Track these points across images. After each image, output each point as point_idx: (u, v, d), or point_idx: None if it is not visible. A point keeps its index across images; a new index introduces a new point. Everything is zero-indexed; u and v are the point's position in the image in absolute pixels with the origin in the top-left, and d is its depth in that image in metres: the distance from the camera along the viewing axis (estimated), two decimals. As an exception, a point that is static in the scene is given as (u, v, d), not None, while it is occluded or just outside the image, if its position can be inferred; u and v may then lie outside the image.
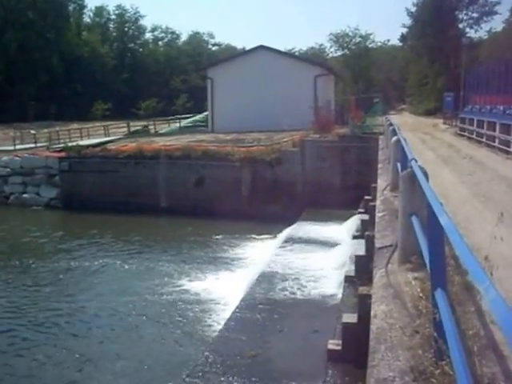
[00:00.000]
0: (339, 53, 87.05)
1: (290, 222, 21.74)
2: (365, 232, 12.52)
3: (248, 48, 49.47)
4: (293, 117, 30.46)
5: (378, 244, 6.39)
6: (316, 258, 15.95)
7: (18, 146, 37.31)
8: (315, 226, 20.71)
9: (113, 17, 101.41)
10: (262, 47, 38.70)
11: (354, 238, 15.36)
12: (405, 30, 70.47)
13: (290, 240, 18.63)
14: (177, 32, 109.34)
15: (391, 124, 16.89)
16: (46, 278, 18.49)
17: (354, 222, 18.02)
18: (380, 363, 3.39)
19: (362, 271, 10.67)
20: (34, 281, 18.21)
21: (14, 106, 75.84)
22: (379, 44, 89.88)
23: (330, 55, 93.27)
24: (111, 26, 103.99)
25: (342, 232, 18.62)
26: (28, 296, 16.76)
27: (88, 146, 32.31)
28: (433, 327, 3.38)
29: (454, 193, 10.60)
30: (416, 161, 5.77)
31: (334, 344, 8.63)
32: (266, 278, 14.34)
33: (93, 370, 11.46)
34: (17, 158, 32.72)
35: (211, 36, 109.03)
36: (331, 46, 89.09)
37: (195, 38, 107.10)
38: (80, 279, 18.38)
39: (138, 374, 11.19)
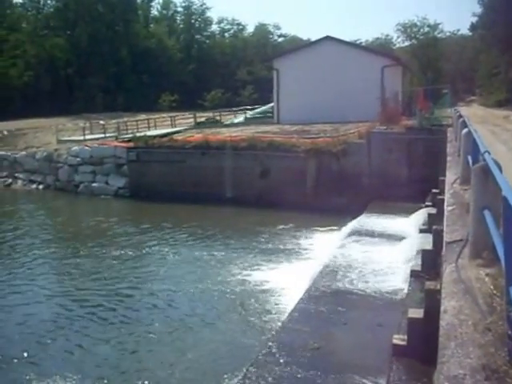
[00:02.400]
0: (407, 43, 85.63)
1: (355, 215, 21.53)
2: (432, 226, 12.28)
3: (314, 39, 49.13)
4: (359, 108, 30.14)
5: (447, 238, 6.24)
6: (381, 252, 15.75)
7: (87, 137, 38.20)
8: (381, 218, 20.45)
9: (180, 9, 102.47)
10: (328, 38, 38.34)
11: (421, 231, 15.09)
12: (475, 19, 68.56)
13: (355, 233, 18.44)
14: (243, 23, 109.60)
15: (461, 116, 16.48)
16: (112, 264, 18.92)
17: (420, 216, 17.70)
18: (450, 360, 3.31)
19: (428, 266, 10.49)
20: (101, 267, 18.68)
21: (84, 97, 77.59)
22: (448, 34, 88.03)
23: (397, 46, 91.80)
24: (178, 18, 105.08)
25: (409, 225, 18.31)
26: (95, 282, 17.19)
27: (155, 137, 32.80)
28: (506, 325, 3.28)
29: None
30: (489, 153, 5.60)
31: (399, 339, 8.49)
32: (331, 271, 14.24)
33: (155, 358, 11.65)
34: (86, 148, 33.50)
35: (277, 27, 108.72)
36: (398, 37, 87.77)
37: (261, 29, 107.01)
38: (145, 267, 18.74)
39: (199, 362, 11.31)
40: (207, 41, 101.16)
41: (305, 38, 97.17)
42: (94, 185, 32.67)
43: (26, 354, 11.89)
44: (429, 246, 11.13)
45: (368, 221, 20.33)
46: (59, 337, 12.99)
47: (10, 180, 36.90)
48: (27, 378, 10.79)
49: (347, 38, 57.75)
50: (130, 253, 20.26)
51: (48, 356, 11.92)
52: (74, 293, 16.28)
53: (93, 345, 12.47)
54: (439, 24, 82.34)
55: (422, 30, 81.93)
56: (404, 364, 8.12)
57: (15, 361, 11.66)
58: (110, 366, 11.47)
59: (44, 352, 12.09)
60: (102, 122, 44.37)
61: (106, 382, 10.67)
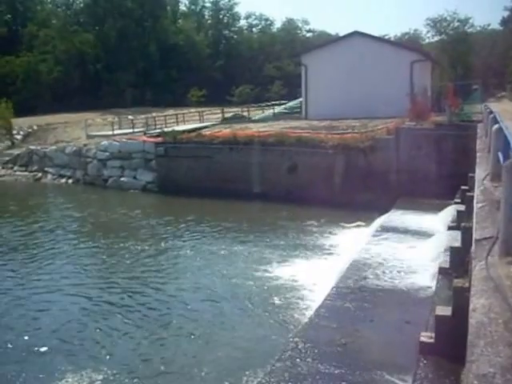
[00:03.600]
0: (436, 38, 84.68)
1: (383, 211, 21.41)
2: (461, 223, 12.18)
3: (342, 34, 48.85)
4: (388, 104, 29.93)
5: (476, 235, 6.17)
6: (409, 249, 15.64)
7: (116, 131, 38.55)
8: (409, 215, 20.29)
9: (208, 4, 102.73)
10: (356, 33, 38.07)
11: (450, 228, 14.97)
12: (506, 14, 67.59)
13: (383, 229, 18.33)
14: (271, 19, 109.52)
15: (491, 111, 16.26)
16: (138, 257, 19.14)
17: (449, 213, 17.55)
18: (479, 358, 3.28)
19: (457, 263, 10.40)
20: (127, 260, 18.93)
21: (113, 92, 78.13)
22: (478, 28, 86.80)
23: (427, 41, 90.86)
24: (206, 13, 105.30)
25: (437, 222, 18.15)
26: (121, 274, 17.43)
27: (183, 132, 32.94)
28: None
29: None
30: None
31: (426, 336, 8.44)
32: (358, 267, 14.18)
33: (181, 352, 11.76)
34: (115, 143, 33.77)
35: (306, 22, 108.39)
36: (428, 32, 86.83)
37: (289, 24, 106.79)
38: (171, 260, 18.94)
39: (225, 357, 11.37)
40: (235, 36, 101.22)
41: (333, 33, 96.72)
42: (122, 179, 32.95)
43: (56, 346, 12.09)
44: (457, 244, 11.04)
45: (396, 217, 20.20)
46: (87, 328, 13.16)
47: (40, 174, 37.37)
48: (61, 368, 10.97)
49: (375, 33, 57.41)
50: (157, 246, 20.49)
51: (78, 347, 12.08)
52: (101, 285, 16.46)
53: (120, 337, 12.61)
54: (469, 18, 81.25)
55: (451, 25, 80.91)
56: (431, 362, 8.07)
57: (47, 351, 11.85)
58: (137, 358, 11.56)
59: (73, 343, 12.24)
60: (130, 117, 44.75)
61: (133, 373, 10.77)
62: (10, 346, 12.22)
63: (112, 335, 12.70)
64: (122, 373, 10.73)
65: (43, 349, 11.98)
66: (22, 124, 64.78)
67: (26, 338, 12.61)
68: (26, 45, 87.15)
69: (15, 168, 39.36)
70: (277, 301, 14.36)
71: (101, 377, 10.52)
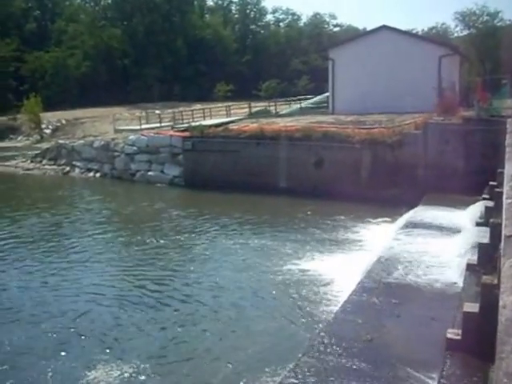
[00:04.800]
0: (465, 32, 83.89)
1: (410, 207, 21.23)
2: (489, 219, 12.05)
3: (369, 28, 48.57)
4: (416, 99, 29.68)
5: (506, 232, 6.10)
6: (437, 244, 15.51)
7: (143, 126, 38.83)
8: (437, 211, 20.11)
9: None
10: (384, 27, 37.81)
11: (478, 224, 14.82)
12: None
13: (410, 224, 18.20)
14: (297, 13, 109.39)
15: (521, 107, 16.06)
16: (164, 250, 19.32)
17: (477, 209, 17.37)
18: (509, 356, 3.25)
19: (485, 260, 10.30)
20: (153, 252, 19.13)
21: (140, 86, 78.78)
22: (508, 22, 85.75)
23: (455, 35, 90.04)
24: (233, 8, 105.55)
25: (465, 218, 17.98)
26: (146, 266, 17.62)
27: (210, 126, 33.02)
28: None
29: None
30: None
31: (453, 333, 8.38)
32: (385, 262, 14.11)
33: (205, 345, 11.81)
34: (143, 137, 33.99)
35: (333, 17, 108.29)
36: (456, 26, 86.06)
37: (316, 19, 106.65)
38: (197, 253, 19.04)
39: (249, 351, 11.39)
40: (262, 31, 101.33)
41: (361, 27, 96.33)
42: (149, 173, 33.16)
43: (85, 336, 12.26)
44: (485, 240, 10.93)
45: (423, 213, 20.03)
46: (113, 319, 13.33)
47: (68, 168, 37.74)
48: (91, 358, 11.11)
49: (403, 27, 56.99)
50: (183, 239, 20.65)
51: (105, 338, 12.20)
52: (127, 277, 16.62)
53: (146, 328, 12.73)
54: (499, 12, 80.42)
55: (480, 19, 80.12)
56: (458, 359, 8.01)
57: (77, 341, 12.04)
58: (163, 350, 11.67)
59: (100, 334, 12.38)
60: (157, 111, 44.99)
61: (159, 365, 10.88)
62: (40, 335, 12.42)
63: (138, 326, 12.81)
64: (146, 364, 10.81)
65: (73, 339, 12.16)
66: (51, 118, 65.68)
67: (60, 326, 12.84)
68: (55, 40, 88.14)
69: (44, 162, 39.82)
70: (302, 295, 14.36)
71: (130, 369, 10.60)
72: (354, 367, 8.67)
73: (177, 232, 21.82)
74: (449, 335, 8.37)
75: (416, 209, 20.93)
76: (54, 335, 12.42)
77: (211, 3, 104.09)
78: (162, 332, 12.59)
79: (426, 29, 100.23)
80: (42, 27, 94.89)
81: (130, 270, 17.44)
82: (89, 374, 10.47)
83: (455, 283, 12.07)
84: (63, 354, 11.43)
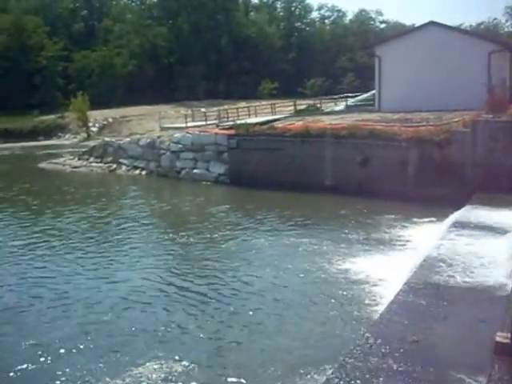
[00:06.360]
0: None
1: (457, 206, 20.89)
2: (541, 220, 11.80)
3: (417, 24, 47.97)
4: (464, 96, 29.23)
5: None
6: (485, 245, 15.23)
7: (189, 124, 39.12)
8: (486, 211, 19.73)
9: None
10: (431, 23, 37.29)
11: (528, 225, 14.53)
12: None
13: (457, 225, 17.89)
14: (343, 10, 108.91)
15: None
16: (206, 248, 19.43)
17: (527, 209, 17.04)
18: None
19: (536, 261, 10.08)
20: (196, 250, 19.23)
21: (186, 85, 79.42)
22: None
23: (506, 30, 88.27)
24: (278, 5, 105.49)
25: (514, 218, 17.64)
26: (189, 265, 17.80)
27: (255, 124, 33.04)
28: None
29: None
30: None
31: (502, 336, 8.21)
32: (432, 263, 13.90)
33: (249, 345, 11.85)
34: (188, 135, 34.22)
35: (379, 13, 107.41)
36: (507, 21, 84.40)
37: (362, 15, 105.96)
38: (241, 251, 19.08)
39: (293, 351, 11.36)
40: (307, 28, 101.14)
41: (408, 23, 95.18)
42: (194, 171, 33.37)
43: (135, 333, 12.46)
44: (537, 241, 10.70)
45: (472, 213, 19.69)
46: (161, 317, 13.45)
47: (115, 165, 38.21)
48: (141, 355, 11.25)
49: (451, 23, 56.14)
50: (227, 237, 20.73)
51: (155, 335, 12.35)
52: (169, 276, 16.67)
53: (193, 327, 12.78)
54: (553, 5, 78.53)
55: (533, 13, 78.43)
56: (506, 363, 7.85)
57: (127, 338, 12.23)
58: (208, 349, 11.72)
59: (149, 332, 12.53)
60: (203, 109, 45.23)
61: (204, 363, 10.95)
62: (90, 331, 12.64)
63: (186, 325, 12.89)
64: (193, 365, 10.86)
65: (121, 336, 12.34)
66: (98, 117, 66.76)
67: (110, 323, 13.07)
68: (102, 39, 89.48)
69: (91, 159, 40.39)
70: (346, 295, 14.26)
71: (179, 368, 10.68)
72: (400, 369, 8.56)
73: (221, 229, 21.92)
74: (497, 338, 8.21)
75: (464, 208, 20.59)
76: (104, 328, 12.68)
77: (256, 1, 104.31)
78: (208, 331, 12.61)
79: (474, 24, 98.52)
80: (89, 27, 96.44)
81: (174, 267, 17.60)
82: (138, 369, 10.63)
83: (504, 285, 11.84)
84: (116, 348, 11.67)
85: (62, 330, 12.64)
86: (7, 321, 13.38)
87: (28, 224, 23.94)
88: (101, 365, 10.90)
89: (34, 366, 10.92)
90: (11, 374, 10.62)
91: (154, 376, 10.37)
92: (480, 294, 11.78)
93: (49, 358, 11.23)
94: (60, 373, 10.60)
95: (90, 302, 14.48)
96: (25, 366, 10.90)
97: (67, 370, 10.71)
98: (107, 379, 10.31)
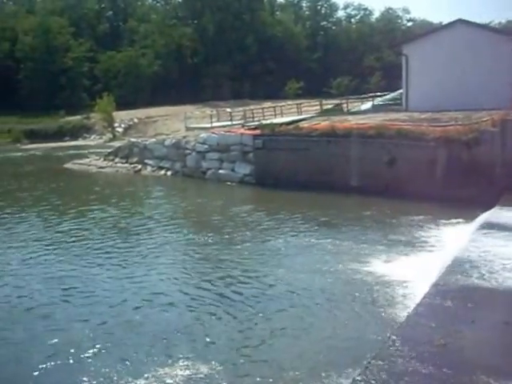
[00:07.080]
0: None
1: (486, 207, 20.60)
2: None
3: (445, 23, 47.50)
4: (494, 95, 28.85)
5: None
6: (514, 247, 15.00)
7: (214, 124, 39.13)
8: (514, 212, 19.47)
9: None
10: (460, 21, 36.82)
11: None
12: None
13: (486, 226, 17.62)
14: (369, 8, 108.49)
15: None
16: (231, 249, 19.34)
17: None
18: None
19: None
20: (220, 251, 19.13)
21: (211, 85, 79.60)
22: None
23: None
24: (304, 4, 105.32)
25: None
26: (214, 266, 17.70)
27: (281, 124, 32.94)
28: None
29: None
30: None
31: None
32: (460, 265, 13.69)
33: (273, 347, 11.79)
34: (214, 135, 34.22)
35: (406, 11, 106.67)
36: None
37: (388, 14, 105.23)
38: (265, 252, 18.94)
39: (318, 353, 11.29)
40: (333, 27, 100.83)
41: (435, 21, 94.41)
42: (220, 171, 33.35)
43: (162, 333, 12.47)
44: None
45: (501, 214, 19.38)
46: (186, 318, 13.47)
47: (140, 166, 38.37)
48: (167, 355, 11.29)
49: (480, 21, 55.49)
50: (253, 238, 20.65)
51: (180, 336, 12.39)
52: (192, 278, 16.75)
53: (218, 328, 12.79)
54: None
55: None
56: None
57: (154, 337, 12.26)
58: (232, 349, 11.70)
59: (175, 333, 12.55)
60: (228, 109, 45.22)
61: (229, 363, 10.96)
62: (115, 331, 12.73)
63: (210, 325, 12.89)
64: (223, 364, 10.88)
65: (147, 336, 12.40)
66: (124, 117, 67.22)
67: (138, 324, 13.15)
68: (127, 40, 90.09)
69: (116, 160, 40.61)
70: (373, 297, 14.13)
71: (205, 369, 10.67)
72: (427, 372, 8.43)
73: (247, 230, 21.88)
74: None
75: (493, 209, 20.28)
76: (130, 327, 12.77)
77: (282, 0, 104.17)
78: (231, 332, 12.60)
79: (504, 21, 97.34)
80: (114, 27, 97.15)
81: (199, 267, 17.67)
82: (164, 369, 10.63)
83: (534, 287, 11.64)
84: (141, 347, 11.72)
85: (89, 329, 12.75)
86: (37, 319, 13.58)
87: (53, 224, 24.22)
88: (127, 363, 10.99)
89: (60, 362, 11.10)
90: (39, 369, 10.77)
91: (179, 376, 10.38)
92: (509, 297, 11.60)
93: (75, 355, 11.34)
94: (85, 371, 10.69)
95: (115, 302, 14.60)
96: (52, 362, 11.06)
97: (92, 368, 10.81)
98: (131, 379, 10.34)
